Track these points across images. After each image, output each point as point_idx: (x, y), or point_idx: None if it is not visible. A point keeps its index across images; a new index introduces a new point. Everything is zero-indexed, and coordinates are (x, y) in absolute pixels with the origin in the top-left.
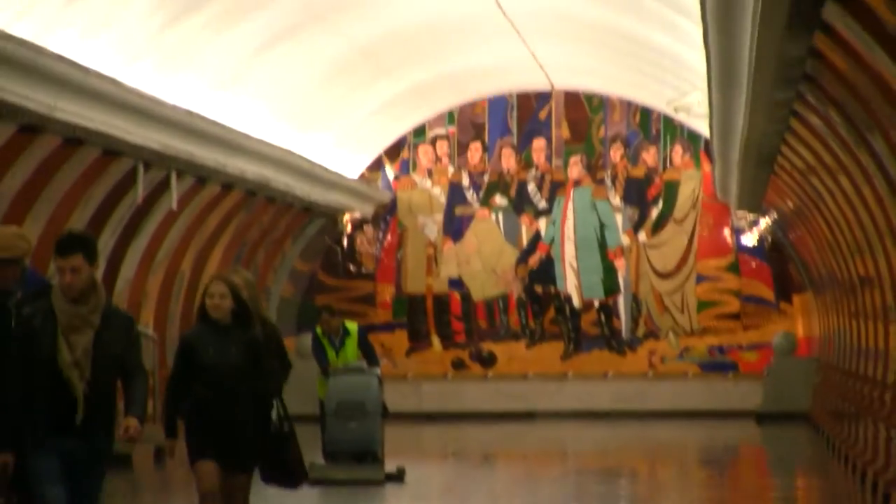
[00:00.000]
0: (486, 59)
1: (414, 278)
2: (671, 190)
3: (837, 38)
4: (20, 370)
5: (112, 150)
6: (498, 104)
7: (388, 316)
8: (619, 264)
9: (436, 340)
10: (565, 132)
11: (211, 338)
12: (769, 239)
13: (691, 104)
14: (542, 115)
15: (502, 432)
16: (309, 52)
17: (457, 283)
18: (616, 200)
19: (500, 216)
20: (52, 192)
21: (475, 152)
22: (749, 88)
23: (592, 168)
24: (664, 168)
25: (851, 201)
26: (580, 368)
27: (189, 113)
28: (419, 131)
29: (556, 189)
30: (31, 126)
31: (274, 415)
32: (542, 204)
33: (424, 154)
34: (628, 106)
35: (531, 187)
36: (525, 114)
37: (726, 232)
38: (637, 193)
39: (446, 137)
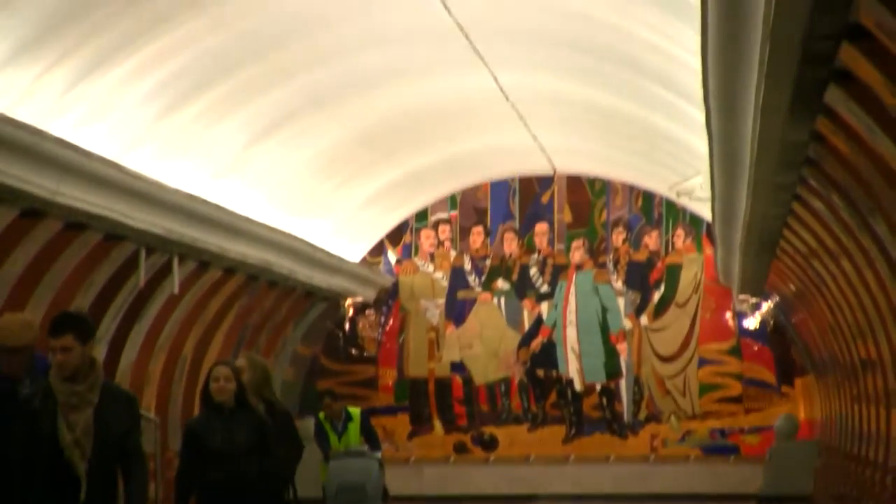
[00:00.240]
0: (488, 143)
1: (416, 362)
2: (673, 274)
3: (840, 122)
4: (22, 451)
5: (114, 234)
6: (500, 188)
7: (390, 399)
8: (622, 348)
9: (438, 424)
10: (567, 216)
11: (217, 423)
12: (771, 322)
13: (693, 188)
14: (545, 199)
15: None
16: (309, 137)
17: (459, 367)
18: (618, 284)
19: (503, 300)
20: (54, 276)
21: (477, 236)
22: (751, 172)
23: (594, 252)
24: (666, 252)
25: (853, 285)
26: (582, 452)
27: (191, 197)
28: (421, 215)
29: (558, 273)
30: (33, 210)
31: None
32: (545, 288)
33: (426, 238)
34: (630, 190)
35: (533, 271)
36: (527, 198)
37: (728, 315)
38: (639, 277)
39: (448, 221)
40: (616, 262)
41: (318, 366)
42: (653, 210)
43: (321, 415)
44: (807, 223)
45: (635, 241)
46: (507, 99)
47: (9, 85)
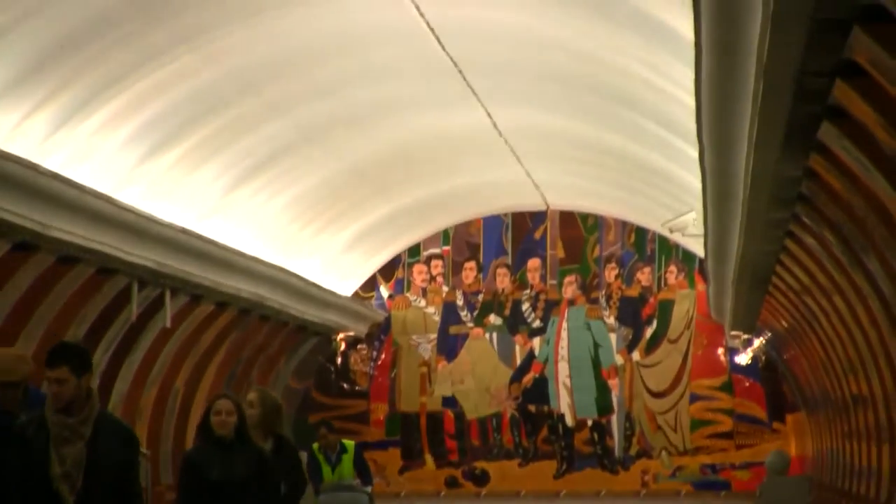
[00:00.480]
0: (481, 178)
1: (408, 397)
2: (665, 310)
3: (833, 159)
4: (17, 481)
5: (106, 268)
6: (493, 224)
7: (382, 434)
8: (613, 383)
9: (429, 458)
10: (560, 252)
11: (215, 455)
12: (763, 358)
13: (686, 224)
14: (538, 234)
15: None
16: (299, 174)
17: (450, 402)
18: (610, 320)
19: (495, 335)
20: (46, 310)
21: (470, 272)
22: (744, 209)
23: (587, 288)
24: (658, 288)
25: (845, 321)
26: (573, 487)
27: (184, 231)
28: (414, 251)
29: (550, 308)
30: (25, 244)
31: None
32: (537, 323)
33: (419, 273)
34: (623, 226)
35: (525, 307)
36: (520, 233)
37: (720, 351)
38: (631, 313)
39: (441, 257)
40: (608, 298)
41: (309, 400)
42: (645, 246)
43: (315, 445)
44: (799, 260)
45: (628, 277)
46: (501, 135)
47: None
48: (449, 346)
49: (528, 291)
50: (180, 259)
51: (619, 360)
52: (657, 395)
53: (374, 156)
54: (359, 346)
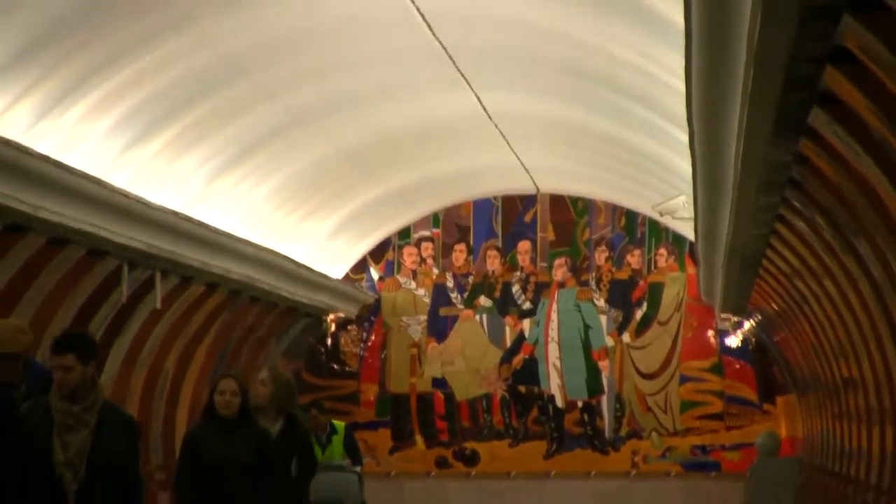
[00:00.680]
0: (471, 162)
1: (398, 378)
2: (655, 292)
3: (823, 144)
4: (17, 465)
5: (97, 249)
6: (483, 207)
7: (372, 415)
8: (603, 365)
9: (419, 439)
10: (550, 235)
11: (217, 434)
12: (753, 341)
13: (676, 208)
14: (528, 217)
15: None
16: (289, 158)
17: (440, 383)
18: (600, 302)
19: (485, 317)
20: (36, 291)
21: (460, 254)
22: (735, 193)
23: (577, 270)
24: (649, 271)
25: (836, 304)
26: (563, 467)
27: (174, 213)
28: (404, 233)
29: (540, 291)
30: (16, 226)
31: None
32: (527, 305)
33: (409, 256)
34: (613, 209)
35: (516, 289)
36: (510, 216)
37: (710, 334)
38: (621, 295)
39: (431, 239)
40: (598, 281)
41: (300, 381)
42: (636, 229)
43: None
44: (790, 243)
45: (618, 260)
46: (491, 119)
47: None
48: (439, 327)
49: (518, 274)
50: (171, 241)
51: (609, 341)
52: (647, 376)
53: (364, 140)
54: (349, 328)
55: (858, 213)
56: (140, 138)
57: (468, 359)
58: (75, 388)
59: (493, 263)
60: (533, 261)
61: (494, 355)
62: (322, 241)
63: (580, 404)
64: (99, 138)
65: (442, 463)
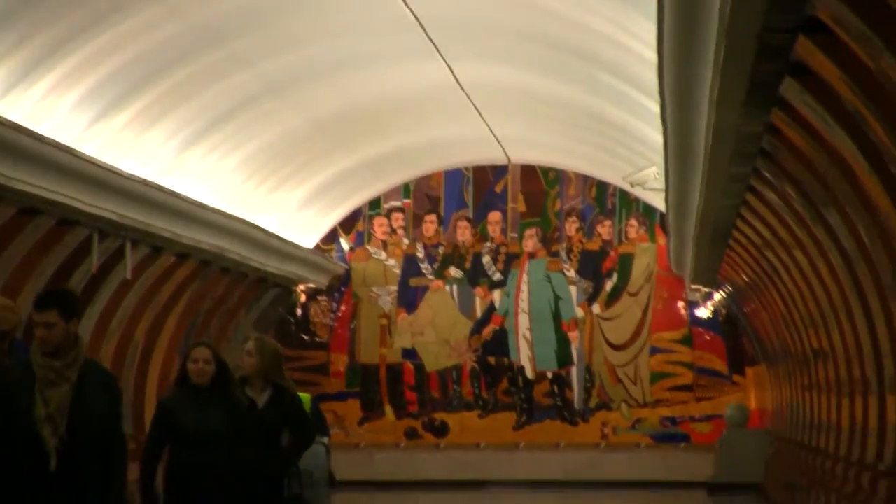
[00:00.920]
0: (442, 132)
1: (367, 349)
2: (626, 263)
3: (795, 115)
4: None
5: (67, 219)
6: (454, 177)
7: (342, 385)
8: (573, 336)
9: (389, 410)
10: (521, 205)
11: (191, 402)
12: (723, 312)
13: (647, 178)
14: (498, 188)
15: (454, 501)
16: (263, 124)
17: (410, 354)
18: (571, 273)
19: (455, 288)
20: (6, 261)
21: (430, 225)
22: (706, 164)
23: (548, 241)
24: (619, 241)
25: (806, 275)
26: (532, 438)
27: (145, 183)
28: (374, 203)
29: (510, 261)
30: None
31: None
32: (497, 276)
33: (379, 226)
34: (584, 180)
35: (486, 259)
36: (481, 187)
37: (680, 305)
38: (592, 266)
39: (401, 210)
40: (569, 251)
41: None
42: (606, 200)
43: None
44: (760, 214)
45: (588, 231)
46: (463, 89)
47: None
48: (409, 298)
49: (488, 244)
50: (141, 211)
51: (579, 312)
52: (617, 347)
53: (335, 110)
54: (319, 298)
55: (829, 183)
56: (110, 108)
57: (438, 330)
58: (58, 345)
59: (464, 234)
60: (504, 231)
61: (465, 326)
62: (293, 212)
63: (550, 375)
64: (69, 108)
65: (412, 434)
